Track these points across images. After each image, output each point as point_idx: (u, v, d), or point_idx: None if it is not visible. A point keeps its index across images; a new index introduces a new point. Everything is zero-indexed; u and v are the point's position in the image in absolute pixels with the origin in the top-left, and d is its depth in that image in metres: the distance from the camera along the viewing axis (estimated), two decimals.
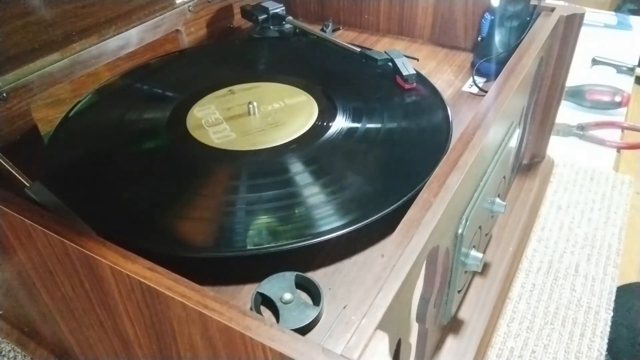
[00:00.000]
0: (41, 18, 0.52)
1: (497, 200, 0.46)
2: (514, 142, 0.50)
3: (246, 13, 0.73)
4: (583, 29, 0.56)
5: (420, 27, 0.72)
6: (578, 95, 0.85)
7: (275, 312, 0.36)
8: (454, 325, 0.48)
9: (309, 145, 0.49)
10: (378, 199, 0.43)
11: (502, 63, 0.55)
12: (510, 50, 0.59)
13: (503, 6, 0.61)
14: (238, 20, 0.77)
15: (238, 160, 0.48)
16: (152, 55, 0.66)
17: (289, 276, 0.38)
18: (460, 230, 0.38)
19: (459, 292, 0.44)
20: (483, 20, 0.67)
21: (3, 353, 0.51)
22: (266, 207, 0.42)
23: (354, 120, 0.52)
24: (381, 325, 0.26)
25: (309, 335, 0.35)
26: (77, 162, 0.49)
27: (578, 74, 0.90)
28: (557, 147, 0.75)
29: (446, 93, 0.61)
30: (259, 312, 0.37)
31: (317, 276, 0.39)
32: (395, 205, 0.41)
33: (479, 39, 0.68)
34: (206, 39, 0.72)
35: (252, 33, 0.72)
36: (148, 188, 0.45)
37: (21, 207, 0.35)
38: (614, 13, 1.17)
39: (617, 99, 0.83)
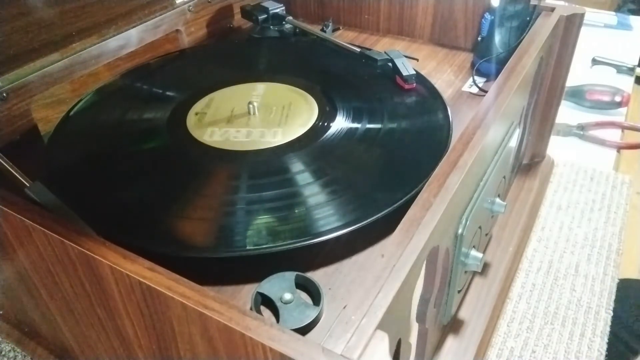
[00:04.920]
0: (41, 18, 0.52)
1: (497, 200, 0.46)
2: (514, 142, 0.50)
3: (246, 13, 0.73)
4: (583, 29, 0.56)
5: (420, 27, 0.72)
6: (578, 95, 0.85)
7: (275, 312, 0.36)
8: (454, 325, 0.48)
9: (309, 145, 0.49)
10: (378, 199, 0.43)
11: (502, 63, 0.55)
12: (510, 50, 0.59)
13: (503, 6, 0.61)
14: (238, 20, 0.77)
15: (238, 160, 0.48)
16: (152, 55, 0.66)
17: (289, 276, 0.38)
18: (460, 230, 0.38)
19: (459, 292, 0.44)
20: (483, 20, 0.67)
21: (3, 353, 0.51)
22: (266, 207, 0.42)
23: (354, 121, 0.52)
24: (381, 325, 0.26)
25: (309, 335, 0.35)
26: (77, 162, 0.49)
27: (578, 74, 0.90)
28: (557, 147, 0.75)
29: (446, 93, 0.61)
30: (259, 312, 0.37)
31: (317, 276, 0.39)
32: (395, 205, 0.41)
33: (479, 39, 0.68)
34: (206, 39, 0.72)
35: (252, 33, 0.72)
36: (148, 188, 0.45)
37: (21, 207, 0.35)
38: (614, 13, 1.17)
39: (617, 99, 0.83)
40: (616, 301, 0.54)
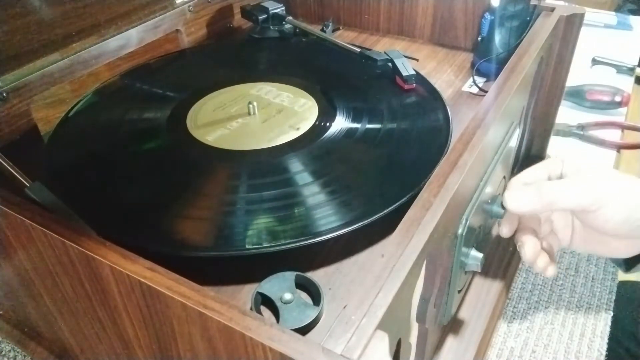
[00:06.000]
0: (41, 18, 0.52)
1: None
2: (514, 142, 0.50)
3: (246, 13, 0.73)
4: (583, 29, 0.56)
5: (420, 27, 0.72)
6: (578, 95, 0.84)
7: (275, 312, 0.36)
8: (454, 325, 0.48)
9: (309, 145, 0.49)
10: (378, 199, 0.43)
11: (502, 63, 0.55)
12: (510, 50, 0.59)
13: (503, 6, 0.61)
14: (238, 20, 0.77)
15: (238, 160, 0.48)
16: (152, 55, 0.66)
17: (289, 276, 0.38)
18: (460, 230, 0.38)
19: (459, 292, 0.44)
20: (483, 20, 0.67)
21: (3, 353, 0.51)
22: (266, 206, 0.42)
23: (353, 121, 0.52)
24: (381, 325, 0.26)
25: (309, 335, 0.35)
26: (77, 162, 0.49)
27: (578, 74, 0.90)
28: (557, 147, 0.74)
29: (446, 93, 0.61)
30: (259, 312, 0.37)
31: (317, 276, 0.39)
32: (395, 205, 0.41)
33: (479, 39, 0.68)
34: (206, 39, 0.72)
35: (252, 33, 0.72)
36: (148, 188, 0.45)
37: (21, 207, 0.35)
38: (614, 13, 1.17)
39: (617, 99, 0.83)
40: (616, 304, 0.54)
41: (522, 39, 0.52)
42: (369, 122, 0.52)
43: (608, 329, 0.52)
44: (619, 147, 0.77)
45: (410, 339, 0.36)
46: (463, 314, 0.49)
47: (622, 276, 0.59)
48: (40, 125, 0.54)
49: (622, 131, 0.80)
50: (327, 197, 0.43)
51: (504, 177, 0.50)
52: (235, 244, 0.40)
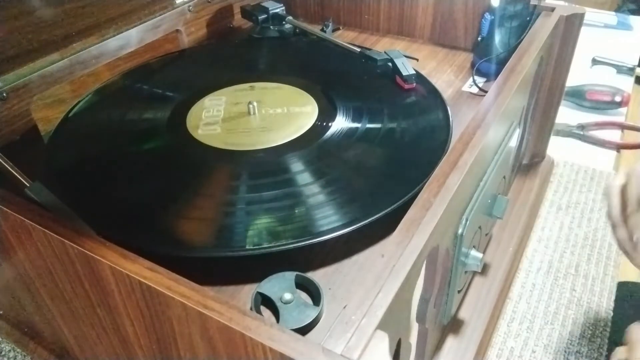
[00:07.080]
0: (41, 18, 0.52)
1: None
2: (514, 142, 0.50)
3: (246, 13, 0.73)
4: (583, 29, 0.56)
5: (420, 27, 0.72)
6: (578, 95, 0.85)
7: (275, 312, 0.36)
8: (454, 325, 0.48)
9: (309, 145, 0.49)
10: (378, 199, 0.43)
11: (502, 63, 0.55)
12: (510, 50, 0.59)
13: (503, 6, 0.61)
14: (238, 20, 0.77)
15: (238, 160, 0.48)
16: (152, 55, 0.66)
17: (289, 276, 0.38)
18: (460, 230, 0.38)
19: (459, 292, 0.44)
20: (483, 20, 0.67)
21: (3, 353, 0.51)
22: (266, 207, 0.42)
23: (354, 120, 0.52)
24: (381, 325, 0.26)
25: (309, 335, 0.35)
26: (77, 162, 0.49)
27: (578, 74, 0.90)
28: (557, 147, 0.75)
29: (446, 93, 0.61)
30: (259, 312, 0.37)
31: (317, 276, 0.39)
32: (395, 205, 0.41)
33: (479, 39, 0.68)
34: (206, 39, 0.72)
35: (252, 33, 0.72)
36: (148, 188, 0.45)
37: (21, 207, 0.35)
38: (614, 13, 1.17)
39: (617, 99, 0.83)
40: (616, 304, 0.54)
41: (522, 39, 0.52)
42: (369, 122, 0.52)
43: (608, 329, 0.52)
44: (619, 147, 0.77)
45: (410, 339, 0.36)
46: (463, 314, 0.49)
47: (622, 276, 0.59)
48: (40, 125, 0.54)
49: (622, 131, 0.81)
50: (327, 197, 0.43)
51: (504, 177, 0.50)
52: (235, 244, 0.40)
